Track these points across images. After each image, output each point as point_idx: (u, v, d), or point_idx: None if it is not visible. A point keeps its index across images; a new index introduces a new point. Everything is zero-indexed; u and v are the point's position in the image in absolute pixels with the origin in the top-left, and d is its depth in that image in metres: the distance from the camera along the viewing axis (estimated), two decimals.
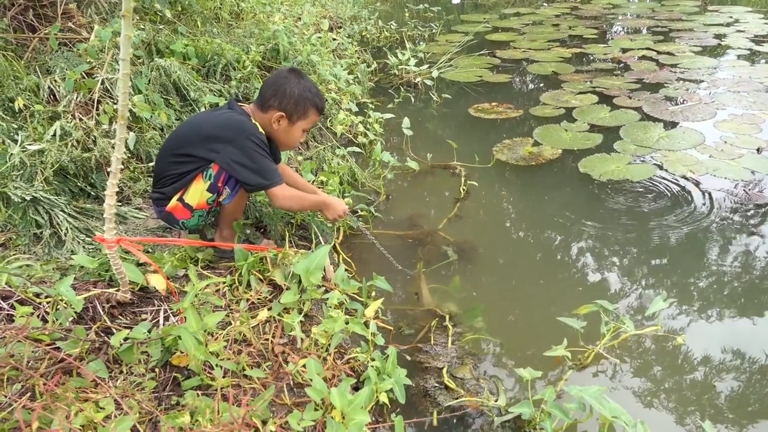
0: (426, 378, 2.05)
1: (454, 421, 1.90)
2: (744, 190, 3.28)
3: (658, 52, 5.96)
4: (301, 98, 2.12)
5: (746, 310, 2.44)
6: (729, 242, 2.86)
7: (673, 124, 4.22)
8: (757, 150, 3.72)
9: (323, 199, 2.29)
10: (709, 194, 3.27)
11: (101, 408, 1.41)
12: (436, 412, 1.89)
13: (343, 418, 1.46)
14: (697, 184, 3.38)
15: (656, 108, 4.48)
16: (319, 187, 2.91)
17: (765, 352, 2.22)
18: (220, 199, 2.13)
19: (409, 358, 2.15)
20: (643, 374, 2.13)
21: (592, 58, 5.93)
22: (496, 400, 1.89)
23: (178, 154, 2.07)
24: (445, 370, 2.06)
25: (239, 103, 2.18)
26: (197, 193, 2.08)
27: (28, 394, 1.39)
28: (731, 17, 7.42)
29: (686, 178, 3.43)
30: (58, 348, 1.55)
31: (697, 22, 7.21)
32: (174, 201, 2.10)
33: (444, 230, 2.97)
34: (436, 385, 2.02)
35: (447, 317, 2.34)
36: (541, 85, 5.26)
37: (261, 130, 2.09)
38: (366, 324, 1.95)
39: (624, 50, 6.09)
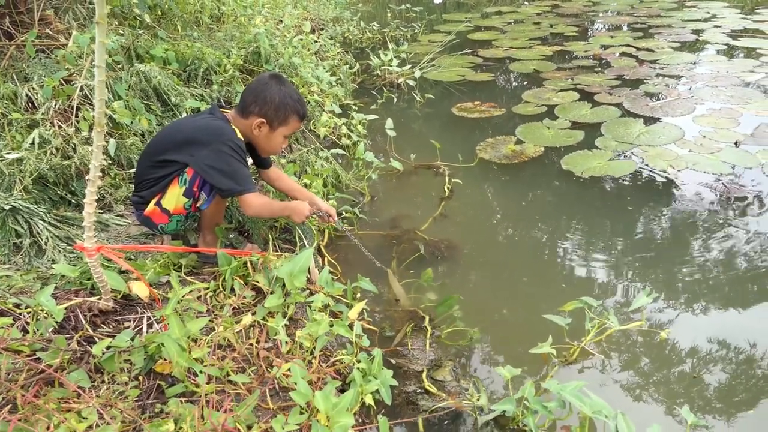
0: (406, 383, 2.04)
1: (439, 421, 1.91)
2: (723, 183, 3.32)
3: (638, 49, 6.02)
4: (281, 105, 2.11)
5: (728, 302, 2.47)
6: (709, 236, 2.90)
7: (653, 120, 4.27)
8: (735, 143, 3.78)
9: (287, 206, 2.28)
10: (689, 188, 3.32)
11: (84, 418, 1.40)
12: (420, 417, 1.89)
13: (328, 420, 1.47)
14: (677, 178, 3.42)
15: (636, 104, 4.53)
16: None
17: (749, 342, 2.25)
18: (198, 205, 2.12)
19: (394, 361, 2.15)
20: (628, 368, 2.16)
21: (573, 55, 5.98)
22: (478, 400, 1.90)
23: (157, 158, 2.07)
24: (424, 374, 2.05)
25: (221, 109, 2.18)
26: (174, 197, 2.07)
27: (9, 407, 1.37)
28: (708, 13, 7.52)
29: (666, 173, 3.48)
30: (39, 359, 1.53)
31: (675, 18, 7.30)
32: (152, 205, 2.10)
33: (427, 230, 2.98)
34: (417, 389, 2.01)
35: (426, 319, 2.35)
36: (524, 83, 5.30)
37: (240, 136, 2.09)
38: (350, 326, 1.95)
39: (604, 47, 6.15)
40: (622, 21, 7.41)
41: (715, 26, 6.82)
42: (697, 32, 6.60)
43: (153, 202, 2.10)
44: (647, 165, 3.58)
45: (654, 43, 6.18)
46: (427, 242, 2.85)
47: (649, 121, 4.25)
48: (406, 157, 3.70)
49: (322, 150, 3.40)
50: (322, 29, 6.03)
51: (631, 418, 1.66)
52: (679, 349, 2.26)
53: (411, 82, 4.93)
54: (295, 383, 1.57)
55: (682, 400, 2.02)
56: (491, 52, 6.10)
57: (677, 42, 6.22)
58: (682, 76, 5.17)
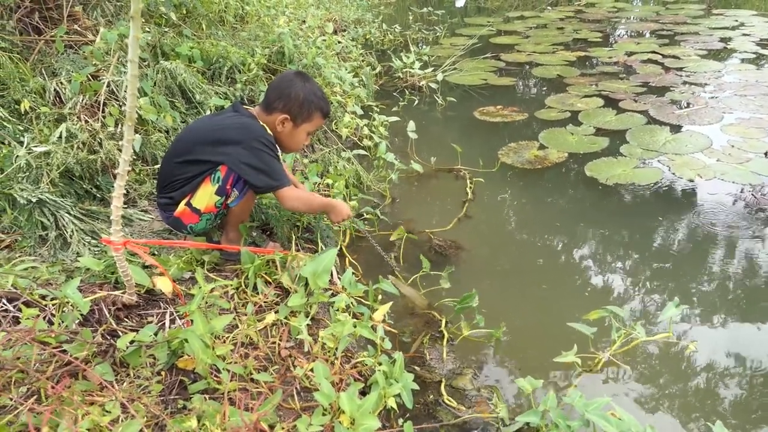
0: (425, 393, 2.00)
1: (459, 431, 1.88)
2: (752, 194, 3.25)
3: (664, 56, 5.94)
4: (305, 101, 2.11)
5: (756, 315, 2.41)
6: (737, 247, 2.83)
7: (679, 128, 4.20)
8: (765, 154, 3.70)
9: (329, 202, 2.28)
10: (717, 199, 3.25)
11: (107, 411, 1.40)
12: (442, 427, 1.86)
13: (352, 423, 1.45)
14: (704, 188, 3.36)
15: (662, 111, 4.46)
16: (325, 190, 2.90)
17: None
18: (228, 202, 2.12)
19: (417, 368, 2.12)
20: (653, 379, 2.11)
21: (596, 61, 5.92)
22: (499, 411, 1.86)
23: (186, 159, 2.06)
24: (443, 386, 2.02)
25: (244, 106, 2.17)
26: (205, 196, 2.07)
27: (34, 397, 1.37)
28: (736, 21, 7.40)
29: (693, 182, 3.42)
30: (65, 351, 1.53)
31: (702, 26, 7.19)
32: (182, 206, 2.09)
33: (449, 232, 2.96)
34: (437, 399, 1.98)
35: (443, 322, 2.31)
36: (546, 88, 5.25)
37: (269, 131, 2.09)
38: (373, 328, 1.93)
39: (629, 53, 6.07)
40: (646, 28, 7.32)
41: (744, 34, 6.71)
42: (724, 40, 6.49)
43: (183, 202, 2.09)
44: (674, 173, 3.52)
45: (680, 51, 6.09)
46: (444, 245, 2.82)
47: (676, 129, 4.18)
48: (426, 160, 3.68)
49: (344, 150, 3.39)
50: (344, 31, 6.03)
51: None
52: (705, 362, 2.20)
53: (433, 85, 4.91)
54: (318, 384, 1.56)
55: (710, 414, 1.97)
56: (514, 57, 6.05)
57: (704, 50, 6.13)
58: (709, 84, 5.08)
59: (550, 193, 3.41)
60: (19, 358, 1.42)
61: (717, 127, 4.16)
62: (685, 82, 5.13)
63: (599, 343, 2.21)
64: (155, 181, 2.62)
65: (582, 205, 3.28)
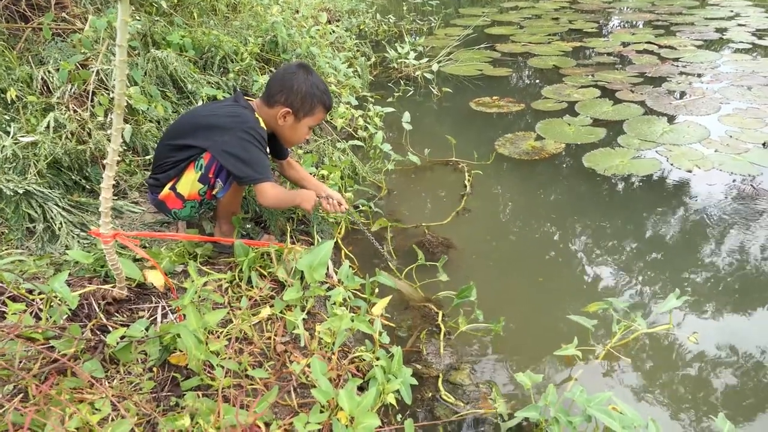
0: (422, 388, 1.96)
1: (459, 427, 1.84)
2: (751, 185, 3.23)
3: (660, 46, 5.91)
4: (308, 95, 2.05)
5: (754, 305, 2.39)
6: (736, 238, 2.81)
7: (676, 118, 4.17)
8: (763, 144, 3.67)
9: (297, 193, 2.18)
10: (715, 189, 3.22)
11: (97, 410, 1.35)
12: (441, 423, 1.83)
13: (351, 421, 1.40)
14: (702, 178, 3.33)
15: (659, 102, 4.43)
16: (321, 181, 2.85)
17: None
18: (214, 192, 2.07)
19: (419, 366, 2.08)
20: (654, 372, 2.09)
21: (592, 52, 5.88)
22: (497, 407, 1.83)
23: (176, 143, 2.02)
24: (440, 381, 1.98)
25: (246, 98, 2.12)
26: (188, 182, 2.02)
27: (20, 396, 1.32)
28: (732, 11, 7.37)
29: (692, 173, 3.39)
30: (52, 347, 1.48)
31: (697, 16, 7.16)
32: (166, 189, 2.05)
33: (448, 225, 2.91)
34: (435, 395, 1.95)
35: (440, 315, 2.27)
36: (542, 78, 5.20)
37: (263, 125, 2.03)
38: (371, 322, 1.89)
39: (625, 44, 6.04)
40: (642, 18, 7.28)
41: (739, 25, 6.68)
42: (720, 31, 6.46)
43: (168, 186, 2.05)
44: (672, 164, 3.49)
45: (676, 41, 6.06)
46: (434, 241, 2.77)
47: (673, 119, 4.15)
48: (420, 151, 3.63)
49: (339, 141, 3.34)
50: (338, 21, 5.95)
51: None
52: (707, 353, 2.18)
53: (428, 76, 4.85)
54: (316, 380, 1.51)
55: (711, 405, 1.95)
56: (509, 47, 6.00)
57: (700, 40, 6.10)
58: (705, 75, 5.05)
59: (548, 184, 3.37)
60: (3, 355, 1.37)
61: (714, 118, 4.14)
62: (681, 73, 5.10)
63: (598, 337, 2.18)
64: (146, 173, 2.56)
65: (580, 196, 3.25)
